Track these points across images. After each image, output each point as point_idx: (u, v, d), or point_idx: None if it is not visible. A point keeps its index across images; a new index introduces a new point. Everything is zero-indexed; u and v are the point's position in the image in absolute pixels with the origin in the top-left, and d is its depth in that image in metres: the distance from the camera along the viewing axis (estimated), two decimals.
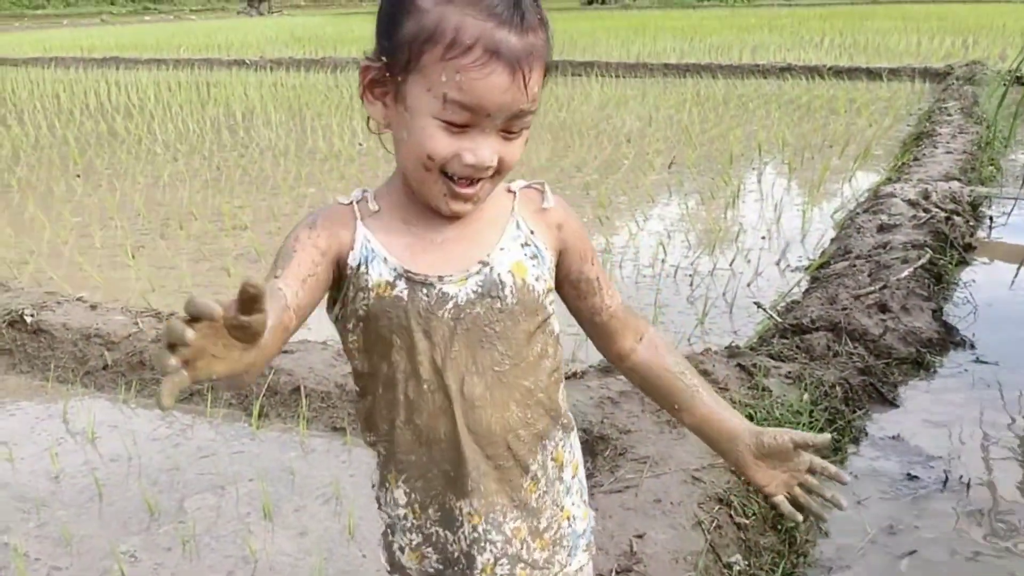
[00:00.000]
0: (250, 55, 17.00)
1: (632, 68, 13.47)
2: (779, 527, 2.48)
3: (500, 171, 1.12)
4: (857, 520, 2.57)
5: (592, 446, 2.73)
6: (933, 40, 15.43)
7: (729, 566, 2.23)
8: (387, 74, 1.10)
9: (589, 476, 2.57)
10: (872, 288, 3.90)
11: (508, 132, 1.10)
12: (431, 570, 1.24)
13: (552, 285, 1.22)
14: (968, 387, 3.37)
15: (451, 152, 1.08)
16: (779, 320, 3.76)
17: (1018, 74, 6.14)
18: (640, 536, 2.24)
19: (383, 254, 1.14)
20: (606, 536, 2.24)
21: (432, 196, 1.13)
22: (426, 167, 1.10)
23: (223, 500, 2.77)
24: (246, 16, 37.20)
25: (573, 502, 1.30)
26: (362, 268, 1.13)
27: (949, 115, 8.24)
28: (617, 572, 2.11)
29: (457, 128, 1.07)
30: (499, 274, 1.16)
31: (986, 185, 6.07)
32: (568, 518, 1.28)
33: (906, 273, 4.08)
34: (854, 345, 3.47)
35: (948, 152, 6.69)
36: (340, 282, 1.15)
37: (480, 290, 1.15)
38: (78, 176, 7.39)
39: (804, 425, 2.84)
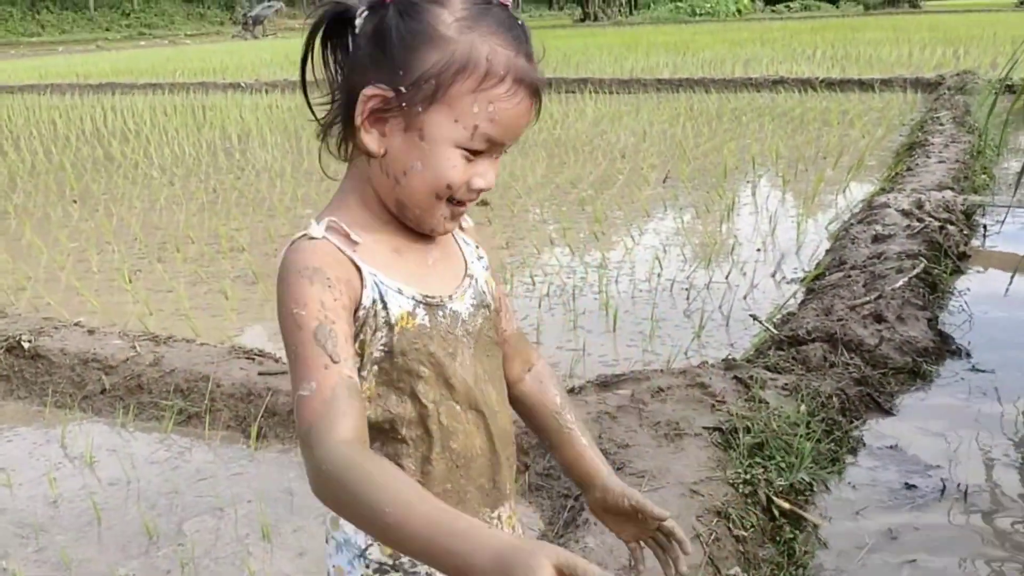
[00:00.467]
0: (245, 78, 17.07)
1: (625, 84, 13.53)
2: (778, 539, 2.48)
3: None
4: (856, 530, 2.57)
5: None
6: (924, 51, 15.52)
7: None
8: (401, 104, 1.06)
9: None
10: (867, 298, 3.91)
11: (500, 154, 1.13)
12: None
13: None
14: (965, 395, 3.38)
15: (466, 179, 1.09)
16: (775, 332, 3.77)
17: (1008, 82, 6.17)
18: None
19: (395, 285, 1.10)
20: (605, 550, 2.24)
21: (432, 221, 1.13)
22: (439, 196, 1.09)
23: (222, 522, 2.76)
24: (240, 40, 37.34)
25: None
26: (377, 306, 1.09)
27: (941, 125, 8.28)
28: None
29: (473, 156, 1.08)
30: (481, 285, 1.21)
31: (979, 194, 6.10)
32: None
33: (901, 283, 4.09)
34: (850, 356, 3.48)
35: (941, 161, 6.72)
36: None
37: (475, 302, 1.18)
38: (75, 202, 7.41)
39: (801, 436, 2.84)
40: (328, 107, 1.15)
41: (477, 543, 0.87)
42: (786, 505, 2.57)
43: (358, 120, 1.08)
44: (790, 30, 24.64)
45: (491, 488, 1.20)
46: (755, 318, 4.09)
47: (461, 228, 1.24)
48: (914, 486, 2.78)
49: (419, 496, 0.93)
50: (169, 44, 37.29)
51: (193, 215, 6.78)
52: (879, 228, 5.02)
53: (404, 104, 1.06)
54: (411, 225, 1.14)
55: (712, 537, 2.32)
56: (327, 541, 1.23)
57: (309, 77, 1.14)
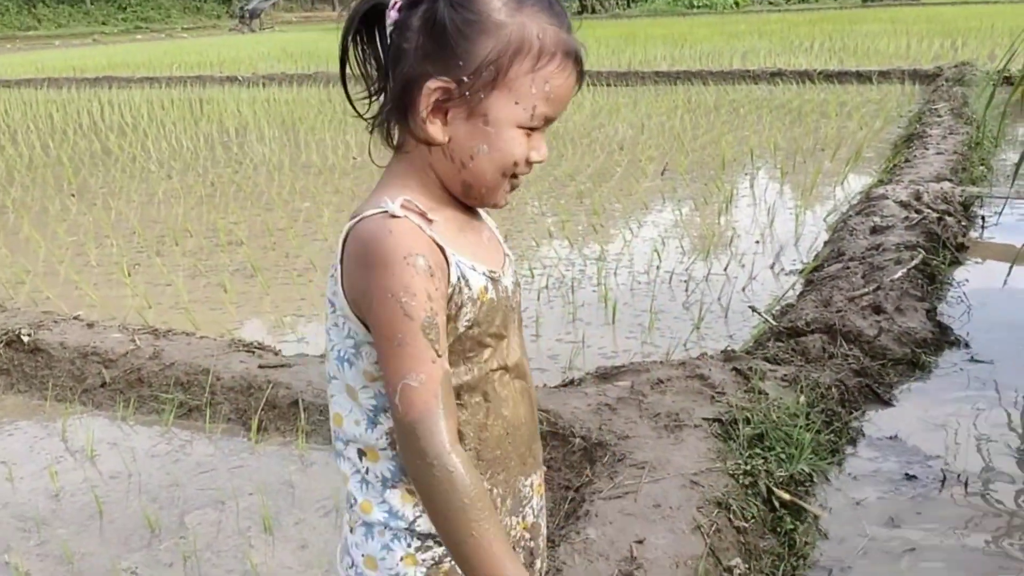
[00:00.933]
0: (242, 71, 17.03)
1: (623, 76, 13.51)
2: (778, 530, 2.49)
3: None
4: (856, 520, 2.58)
5: (590, 452, 2.74)
6: (922, 42, 15.50)
7: (729, 570, 2.23)
8: (464, 93, 1.09)
9: (588, 482, 2.58)
10: (866, 290, 3.92)
11: None
12: None
13: None
14: (963, 386, 3.38)
15: (526, 154, 1.14)
16: (774, 323, 3.78)
17: (1006, 74, 6.17)
18: (640, 541, 2.25)
19: (469, 263, 1.14)
20: (606, 542, 2.25)
21: (496, 196, 1.17)
22: (505, 173, 1.14)
23: (223, 515, 2.77)
24: (238, 33, 37.22)
25: None
26: (462, 283, 1.12)
27: (939, 116, 8.28)
28: None
29: (531, 132, 1.14)
30: (513, 261, 1.26)
31: (977, 185, 6.10)
32: None
33: (899, 274, 4.10)
34: (849, 347, 3.48)
35: (939, 153, 6.72)
36: None
37: (514, 277, 1.24)
38: (72, 195, 7.40)
39: (801, 427, 2.85)
40: (367, 101, 1.17)
41: None
42: (786, 496, 2.58)
43: (423, 113, 1.10)
44: (788, 22, 24.61)
45: (528, 455, 1.26)
46: (754, 309, 4.10)
47: None
48: (914, 476, 2.79)
49: (501, 534, 1.08)
50: (166, 38, 37.18)
51: (191, 208, 6.77)
52: (877, 220, 5.03)
53: (467, 93, 1.09)
54: (474, 204, 1.19)
55: (713, 528, 2.33)
56: (352, 531, 1.22)
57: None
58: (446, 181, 1.16)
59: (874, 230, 4.89)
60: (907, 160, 6.62)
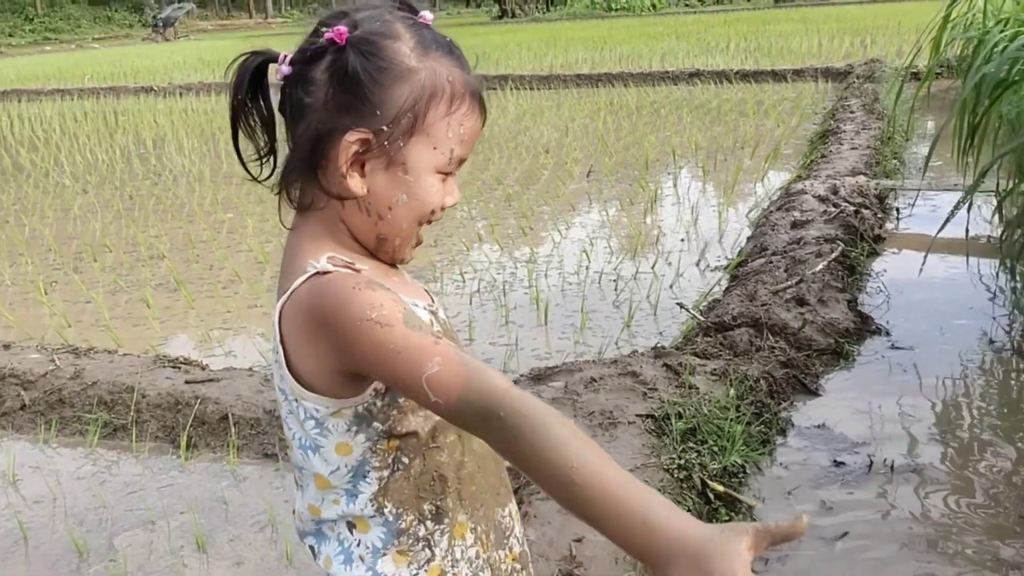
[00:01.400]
0: (158, 81, 16.64)
1: (546, 80, 13.58)
2: (714, 521, 2.52)
3: None
4: (790, 508, 2.64)
5: None
6: (833, 41, 15.92)
7: None
8: (383, 143, 1.06)
9: (526, 484, 2.58)
10: (789, 283, 4.01)
11: None
12: None
13: None
14: (886, 373, 3.49)
15: (442, 200, 1.13)
16: (702, 319, 3.84)
17: (913, 70, 6.37)
18: (579, 540, 2.26)
19: (410, 299, 1.11)
20: (546, 543, 2.26)
21: (406, 249, 1.15)
22: (421, 221, 1.12)
23: (155, 535, 2.70)
24: (152, 42, 36.35)
25: None
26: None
27: (852, 112, 8.52)
28: None
29: (446, 177, 1.12)
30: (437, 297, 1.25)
31: (891, 178, 6.29)
32: None
33: (820, 267, 4.20)
34: (775, 339, 3.56)
35: (853, 148, 6.92)
36: None
37: (445, 311, 1.25)
38: None
39: (732, 420, 2.90)
40: (258, 161, 1.16)
41: (673, 526, 0.86)
42: (720, 488, 2.62)
43: (343, 168, 1.07)
44: (703, 23, 25.05)
45: (500, 485, 1.22)
46: (682, 306, 4.16)
47: None
48: (843, 463, 2.86)
49: (605, 458, 0.91)
50: (76, 48, 36.12)
51: (109, 223, 6.59)
52: (797, 214, 5.15)
53: (386, 142, 1.07)
54: (385, 258, 1.15)
55: None
56: None
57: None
58: (359, 235, 1.12)
59: (794, 224, 5.01)
60: (823, 156, 6.80)
